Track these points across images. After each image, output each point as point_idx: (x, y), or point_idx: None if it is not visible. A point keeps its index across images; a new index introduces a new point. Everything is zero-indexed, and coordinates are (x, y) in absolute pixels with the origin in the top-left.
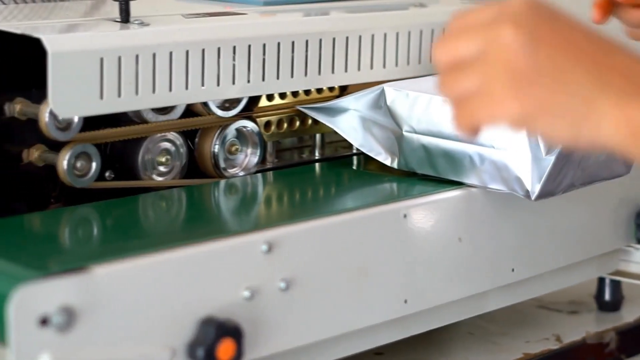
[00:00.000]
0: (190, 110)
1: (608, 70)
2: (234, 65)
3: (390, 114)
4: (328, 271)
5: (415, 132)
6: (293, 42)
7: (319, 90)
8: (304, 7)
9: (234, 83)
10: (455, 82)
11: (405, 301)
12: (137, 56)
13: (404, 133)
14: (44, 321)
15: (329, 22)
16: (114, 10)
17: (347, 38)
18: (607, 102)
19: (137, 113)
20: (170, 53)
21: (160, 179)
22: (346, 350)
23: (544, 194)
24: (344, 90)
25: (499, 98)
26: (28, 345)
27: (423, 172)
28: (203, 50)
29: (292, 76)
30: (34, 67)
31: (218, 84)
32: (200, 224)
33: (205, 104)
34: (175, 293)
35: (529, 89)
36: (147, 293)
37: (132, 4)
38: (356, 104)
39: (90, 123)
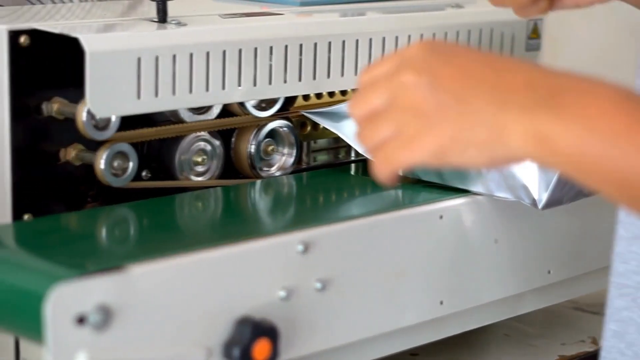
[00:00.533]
0: (226, 110)
1: (506, 89)
2: (270, 66)
3: None
4: (364, 272)
5: None
6: (330, 43)
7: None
8: (341, 7)
9: (270, 83)
10: (372, 132)
11: (441, 302)
12: (174, 56)
13: None
14: (81, 320)
15: (365, 22)
16: (151, 10)
17: (383, 39)
18: (510, 118)
19: (174, 113)
20: (207, 53)
21: (196, 179)
22: (382, 351)
23: (551, 202)
24: None
25: (412, 139)
26: (65, 344)
27: (428, 179)
28: (240, 51)
29: (328, 76)
30: (71, 67)
31: (255, 84)
32: (236, 224)
33: (241, 104)
34: (211, 293)
35: (438, 125)
36: (184, 293)
37: (169, 4)
38: None
39: (127, 122)
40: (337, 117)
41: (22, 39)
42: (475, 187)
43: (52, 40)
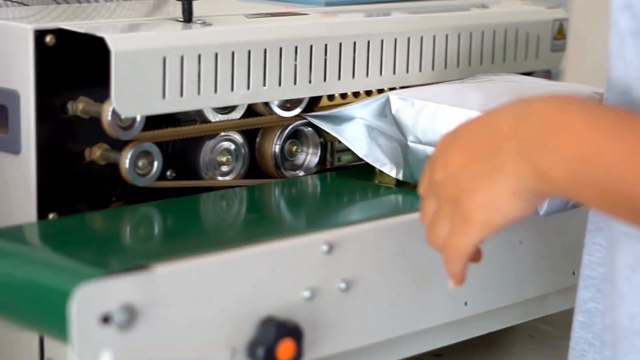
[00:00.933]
0: (251, 110)
1: (500, 144)
2: (295, 66)
3: (396, 123)
4: (388, 272)
5: (421, 143)
6: (355, 43)
7: (380, 91)
8: (366, 7)
9: (295, 83)
10: (434, 232)
11: (466, 303)
12: (199, 56)
13: (409, 144)
14: (106, 319)
15: (390, 22)
16: (176, 10)
17: (408, 39)
18: (515, 167)
19: (199, 112)
20: (233, 53)
21: (221, 178)
22: (405, 351)
23: (552, 210)
24: None
25: (461, 225)
26: (89, 343)
27: None
28: (265, 50)
29: (353, 77)
30: (97, 66)
31: (279, 84)
32: (261, 224)
33: (266, 104)
34: (235, 293)
35: (469, 204)
36: (208, 292)
37: (194, 4)
38: (362, 112)
39: (152, 122)
40: (338, 120)
41: (48, 39)
42: None
43: (78, 40)
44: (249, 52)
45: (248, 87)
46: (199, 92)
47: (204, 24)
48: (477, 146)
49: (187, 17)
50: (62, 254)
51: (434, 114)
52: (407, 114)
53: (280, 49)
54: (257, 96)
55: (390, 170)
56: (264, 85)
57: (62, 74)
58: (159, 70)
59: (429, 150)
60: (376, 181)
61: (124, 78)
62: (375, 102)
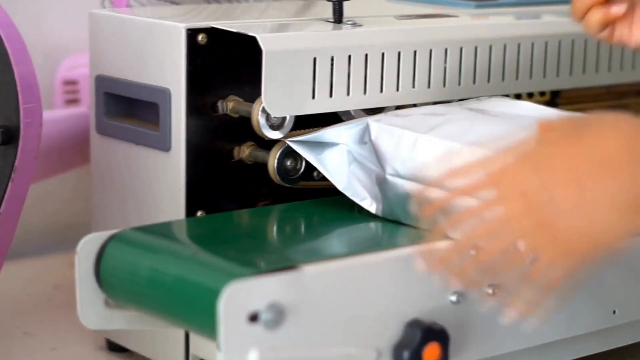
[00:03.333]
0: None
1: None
2: (445, 68)
3: (375, 151)
4: None
5: (399, 176)
6: (505, 45)
7: (530, 95)
8: (516, 10)
9: (444, 85)
10: None
11: (614, 312)
12: (349, 56)
13: (387, 177)
14: (254, 318)
15: (540, 25)
16: (325, 10)
17: (559, 42)
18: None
19: (347, 113)
20: (382, 54)
21: None
22: (552, 359)
23: None
24: (555, 96)
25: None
26: (236, 341)
27: (408, 222)
28: (415, 52)
29: (502, 79)
30: (247, 66)
31: (429, 86)
32: (408, 226)
33: (414, 106)
34: (382, 295)
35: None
36: (354, 294)
37: (344, 5)
38: (345, 137)
39: (301, 122)
40: (320, 146)
41: (200, 37)
42: (456, 235)
43: (229, 39)
44: (399, 53)
45: (397, 89)
46: (348, 93)
47: (355, 24)
48: (586, 170)
49: (338, 17)
50: (211, 252)
51: (413, 145)
52: (387, 143)
53: (430, 50)
54: (405, 98)
55: (370, 205)
56: (413, 87)
57: (213, 73)
58: (309, 70)
59: (408, 185)
60: None
61: (275, 78)
62: (356, 126)
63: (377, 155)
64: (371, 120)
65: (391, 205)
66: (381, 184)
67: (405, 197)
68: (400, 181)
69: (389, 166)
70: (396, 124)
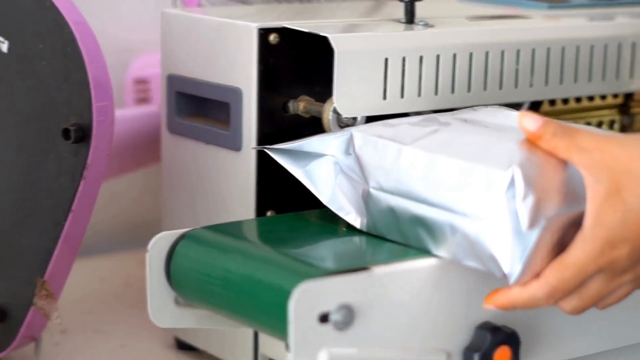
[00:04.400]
0: None
1: None
2: (517, 70)
3: (359, 163)
4: None
5: (383, 190)
6: (577, 47)
7: (603, 97)
8: (589, 11)
9: (516, 87)
10: None
11: None
12: (421, 57)
13: (371, 190)
14: (324, 318)
15: (614, 27)
16: (395, 11)
17: (633, 44)
18: None
19: (418, 114)
20: (454, 55)
21: None
22: None
23: (525, 276)
24: (628, 99)
25: None
26: (306, 341)
27: (392, 238)
28: (487, 54)
29: (575, 81)
30: (318, 66)
31: (500, 88)
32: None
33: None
34: (452, 297)
35: None
36: (425, 295)
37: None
38: (332, 148)
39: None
40: (305, 157)
41: (272, 37)
42: (440, 253)
43: (300, 39)
44: (471, 54)
45: (469, 90)
46: (419, 94)
47: (426, 25)
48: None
49: (410, 18)
50: (281, 252)
51: (397, 157)
52: (370, 154)
53: (502, 52)
54: (477, 99)
55: (355, 220)
56: (485, 89)
57: (284, 73)
58: (381, 71)
59: (392, 200)
60: None
61: (346, 78)
62: (341, 136)
63: (361, 168)
64: (355, 131)
65: (375, 221)
66: (365, 198)
67: (388, 212)
68: (384, 195)
69: (372, 179)
70: (381, 134)
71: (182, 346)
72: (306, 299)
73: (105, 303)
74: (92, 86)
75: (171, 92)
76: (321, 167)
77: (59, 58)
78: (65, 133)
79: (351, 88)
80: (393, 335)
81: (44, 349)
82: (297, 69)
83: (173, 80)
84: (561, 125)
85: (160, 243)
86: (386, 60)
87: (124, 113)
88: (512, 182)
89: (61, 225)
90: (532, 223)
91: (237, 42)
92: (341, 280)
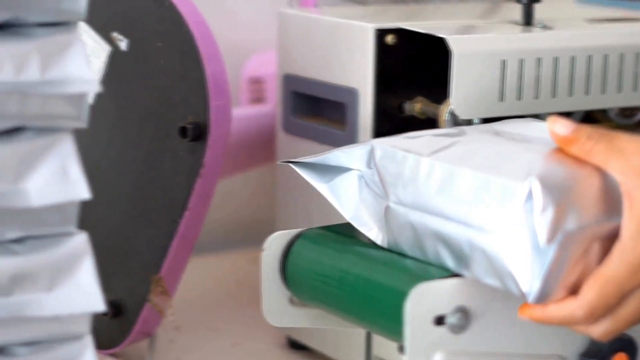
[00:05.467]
0: (589, 116)
1: None
2: (636, 73)
3: (379, 177)
4: None
5: (402, 204)
6: None
7: None
8: None
9: (635, 90)
10: None
11: None
12: (539, 59)
13: (390, 204)
14: (440, 321)
15: None
16: (511, 12)
17: None
18: None
19: (536, 117)
20: (573, 58)
21: None
22: None
23: (545, 294)
24: None
25: None
26: (422, 343)
27: (413, 255)
28: (606, 57)
29: None
30: (434, 67)
31: (619, 91)
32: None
33: (603, 111)
34: None
35: None
36: None
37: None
38: (356, 160)
39: None
40: (328, 171)
41: (389, 38)
42: (460, 271)
43: (416, 40)
44: (589, 57)
45: (587, 93)
46: (536, 97)
47: (545, 27)
48: None
49: (528, 20)
50: (396, 254)
51: (415, 169)
52: (390, 167)
53: (622, 55)
54: (595, 102)
55: (377, 237)
56: (603, 92)
57: (401, 74)
58: (498, 72)
59: (411, 215)
60: None
61: (464, 80)
62: (363, 149)
63: (381, 180)
64: (375, 142)
65: (396, 237)
66: (385, 213)
67: (408, 228)
68: (404, 210)
69: (392, 193)
70: (401, 146)
71: (294, 345)
72: (422, 301)
73: (219, 301)
74: (209, 85)
75: (287, 92)
76: (346, 182)
77: (177, 57)
78: (183, 131)
79: (468, 90)
80: (508, 340)
81: (157, 345)
82: (413, 70)
83: (289, 80)
84: (596, 129)
85: (276, 242)
86: (504, 62)
87: (239, 112)
88: (530, 195)
89: (177, 223)
90: (551, 237)
91: (353, 42)
92: (457, 282)
